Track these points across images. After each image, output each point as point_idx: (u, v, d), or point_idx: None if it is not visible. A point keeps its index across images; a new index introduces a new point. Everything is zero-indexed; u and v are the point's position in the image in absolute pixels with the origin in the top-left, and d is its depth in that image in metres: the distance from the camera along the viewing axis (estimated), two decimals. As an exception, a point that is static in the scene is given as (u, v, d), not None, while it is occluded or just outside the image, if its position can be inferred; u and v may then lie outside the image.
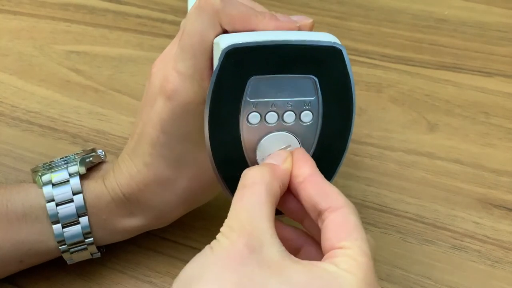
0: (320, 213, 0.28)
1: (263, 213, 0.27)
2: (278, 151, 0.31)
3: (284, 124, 0.31)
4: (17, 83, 0.53)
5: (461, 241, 0.40)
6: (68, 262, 0.37)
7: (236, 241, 0.26)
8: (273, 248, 0.26)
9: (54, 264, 0.38)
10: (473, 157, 0.46)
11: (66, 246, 0.35)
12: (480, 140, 0.47)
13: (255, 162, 0.32)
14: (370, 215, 0.42)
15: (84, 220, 0.35)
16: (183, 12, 0.60)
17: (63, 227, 0.35)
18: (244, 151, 0.31)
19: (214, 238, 0.41)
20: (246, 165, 0.31)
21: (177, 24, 0.36)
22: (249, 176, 0.28)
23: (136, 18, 0.60)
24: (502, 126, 0.48)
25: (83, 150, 0.38)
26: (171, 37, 0.35)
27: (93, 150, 0.38)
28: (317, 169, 0.30)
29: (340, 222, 0.27)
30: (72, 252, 0.36)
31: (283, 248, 0.26)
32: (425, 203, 0.43)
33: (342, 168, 0.44)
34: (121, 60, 0.55)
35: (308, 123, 0.31)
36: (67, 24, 0.59)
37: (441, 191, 0.44)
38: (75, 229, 0.35)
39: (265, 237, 0.26)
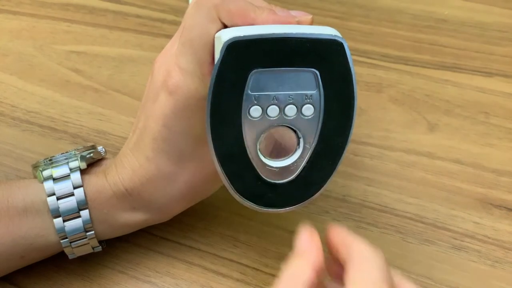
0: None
1: None
2: (304, 238, 0.29)
3: (286, 117, 0.31)
4: (17, 83, 0.53)
5: (461, 241, 0.40)
6: (70, 257, 0.37)
7: None
8: None
9: (54, 264, 0.38)
10: (473, 157, 0.46)
11: (67, 240, 0.35)
12: (480, 140, 0.47)
13: (256, 156, 0.32)
14: (370, 215, 0.42)
15: (85, 213, 0.35)
16: (183, 12, 0.59)
17: (64, 221, 0.35)
18: (246, 144, 0.31)
19: (214, 238, 0.41)
20: (247, 159, 0.31)
21: (177, 24, 0.36)
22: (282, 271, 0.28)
23: (136, 18, 0.60)
24: (502, 126, 0.48)
25: (84, 147, 0.38)
26: (171, 37, 0.35)
27: (93, 147, 0.38)
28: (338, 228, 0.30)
29: (351, 273, 0.27)
30: (73, 247, 0.36)
31: None
32: (425, 203, 0.43)
33: (342, 168, 0.44)
34: (121, 60, 0.55)
35: (310, 117, 0.31)
36: (67, 24, 0.59)
37: (441, 191, 0.44)
38: (76, 222, 0.35)
39: None
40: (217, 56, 0.30)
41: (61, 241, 0.35)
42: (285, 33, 0.30)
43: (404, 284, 0.28)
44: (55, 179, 0.35)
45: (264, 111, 0.31)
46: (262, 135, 0.31)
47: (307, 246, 0.28)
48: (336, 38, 0.30)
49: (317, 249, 0.28)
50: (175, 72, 0.32)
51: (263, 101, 0.30)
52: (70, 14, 0.60)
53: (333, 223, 0.30)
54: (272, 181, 0.32)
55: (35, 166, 0.37)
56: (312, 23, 0.32)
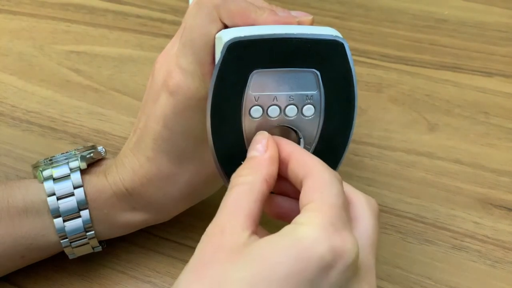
0: (301, 184, 0.28)
1: (240, 212, 0.27)
2: (258, 137, 0.30)
3: (286, 118, 0.31)
4: (17, 83, 0.53)
5: (461, 241, 0.40)
6: (70, 257, 0.37)
7: (207, 245, 0.27)
8: (239, 237, 0.26)
9: (54, 264, 0.38)
10: (473, 157, 0.46)
11: (67, 240, 0.35)
12: (480, 140, 0.47)
13: None
14: (370, 215, 0.42)
15: (85, 213, 0.35)
16: (183, 12, 0.60)
17: (64, 221, 0.35)
18: (246, 145, 0.31)
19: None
20: None
21: (177, 24, 0.36)
22: (233, 179, 0.29)
23: (136, 18, 0.60)
24: (502, 126, 0.48)
25: (84, 147, 0.38)
26: (171, 37, 0.35)
27: (94, 147, 0.38)
28: (296, 145, 0.30)
29: (310, 185, 0.27)
30: (73, 246, 0.36)
31: (253, 236, 0.26)
32: (425, 203, 0.43)
33: (342, 168, 0.44)
34: (121, 60, 0.55)
35: (310, 117, 0.31)
36: (67, 24, 0.59)
37: (441, 191, 0.44)
38: (76, 222, 0.35)
39: (235, 230, 0.26)
40: (218, 56, 0.30)
41: (61, 241, 0.35)
42: (285, 34, 0.30)
43: (354, 198, 0.30)
44: (55, 179, 0.35)
45: (265, 111, 0.31)
46: None
47: (261, 158, 0.29)
48: (337, 39, 0.30)
49: (272, 161, 0.29)
50: (176, 73, 0.32)
51: (264, 101, 0.30)
52: (70, 14, 0.60)
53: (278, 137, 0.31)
54: None
55: (35, 166, 0.37)
56: (312, 23, 0.32)
